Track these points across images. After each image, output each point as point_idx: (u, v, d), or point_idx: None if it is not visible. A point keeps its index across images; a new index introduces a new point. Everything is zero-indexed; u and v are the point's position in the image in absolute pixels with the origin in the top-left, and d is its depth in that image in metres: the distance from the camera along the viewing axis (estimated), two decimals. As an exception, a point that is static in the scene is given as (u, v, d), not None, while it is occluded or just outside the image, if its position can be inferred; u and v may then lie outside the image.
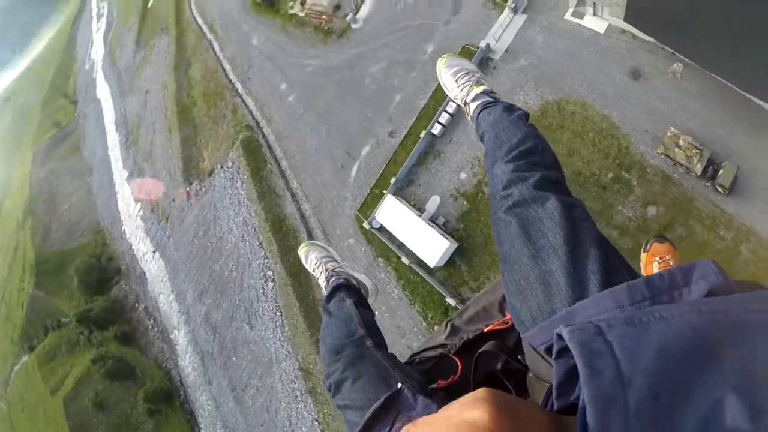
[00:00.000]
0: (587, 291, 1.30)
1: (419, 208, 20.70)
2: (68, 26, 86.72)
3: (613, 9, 17.05)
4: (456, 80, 2.62)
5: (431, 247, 19.31)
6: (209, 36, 39.69)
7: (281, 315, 26.29)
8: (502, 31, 21.48)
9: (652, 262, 5.09)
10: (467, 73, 2.62)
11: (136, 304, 42.46)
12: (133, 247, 43.50)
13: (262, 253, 27.81)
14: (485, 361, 1.65)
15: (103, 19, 72.37)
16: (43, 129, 69.68)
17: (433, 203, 20.58)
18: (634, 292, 0.82)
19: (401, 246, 20.90)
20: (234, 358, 29.91)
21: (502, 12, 21.76)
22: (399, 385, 1.42)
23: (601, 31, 18.44)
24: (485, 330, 1.90)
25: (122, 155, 48.38)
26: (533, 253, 1.45)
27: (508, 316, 1.99)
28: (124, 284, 44.48)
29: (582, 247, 1.40)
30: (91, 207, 51.73)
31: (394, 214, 20.72)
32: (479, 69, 2.85)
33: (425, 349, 2.18)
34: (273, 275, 27.19)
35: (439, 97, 21.05)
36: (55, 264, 51.23)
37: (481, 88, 2.53)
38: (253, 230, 28.59)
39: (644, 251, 5.41)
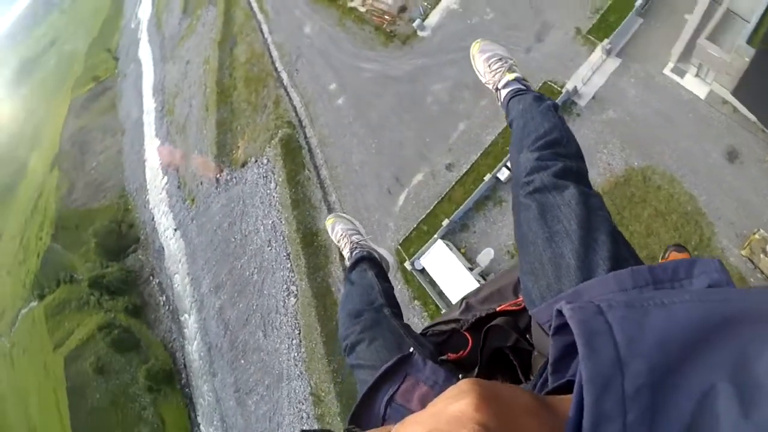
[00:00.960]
0: (595, 275, 1.32)
1: (469, 259, 17.79)
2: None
3: (721, 78, 14.87)
4: (489, 65, 2.52)
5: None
6: (259, 16, 36.40)
7: (299, 334, 23.57)
8: (592, 73, 18.51)
9: None
10: (500, 59, 2.51)
11: (151, 278, 40.02)
12: (155, 219, 40.93)
13: (288, 265, 24.99)
14: (495, 336, 1.55)
15: (154, -23, 69.27)
16: (83, 81, 66.94)
17: (485, 256, 17.65)
18: (637, 276, 0.80)
19: (442, 294, 18.05)
20: (242, 361, 27.46)
21: (593, 51, 18.65)
22: (411, 349, 1.34)
23: (702, 97, 16.06)
24: (498, 309, 1.80)
25: (156, 123, 45.57)
26: (548, 236, 1.45)
27: (521, 298, 1.90)
28: (141, 255, 42.03)
29: (594, 234, 1.40)
30: (118, 168, 49.17)
31: (441, 261, 17.86)
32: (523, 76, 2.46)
33: (439, 323, 2.08)
34: (297, 291, 24.42)
35: (509, 135, 17.87)
36: (76, 221, 48.89)
37: (513, 75, 2.41)
38: (281, 238, 25.74)
39: (662, 259, 4.99)
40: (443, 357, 1.74)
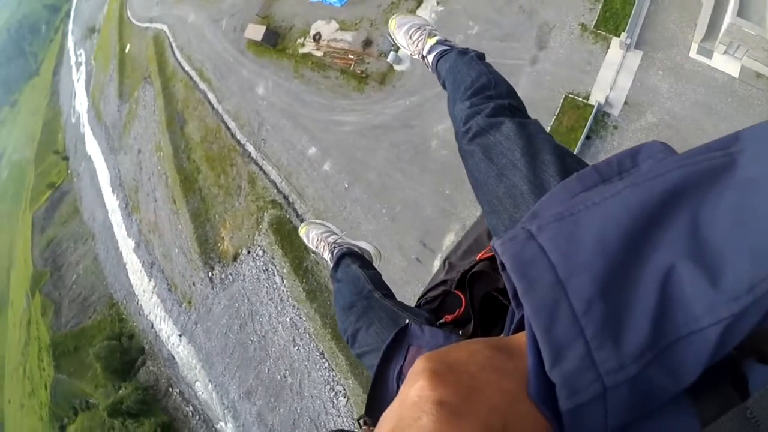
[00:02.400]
0: None
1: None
2: (49, 77, 77.49)
3: (756, 53, 13.24)
4: (410, 36, 2.34)
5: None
6: (201, 85, 31.21)
7: (362, 436, 18.88)
8: (615, 74, 14.43)
9: None
10: (419, 28, 2.33)
11: (170, 389, 34.77)
12: (155, 326, 35.63)
13: (326, 364, 20.20)
14: (480, 284, 1.36)
15: (82, 68, 63.39)
16: (39, 191, 61.06)
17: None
18: (585, 179, 0.68)
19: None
20: (302, 466, 22.75)
21: (608, 47, 14.69)
22: (406, 321, 1.23)
23: (736, 75, 13.77)
24: (478, 258, 1.49)
25: (125, 223, 40.12)
26: (497, 172, 1.41)
27: None
28: (152, 366, 36.73)
29: (539, 156, 1.36)
30: (100, 277, 43.61)
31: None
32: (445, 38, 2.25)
33: (428, 290, 1.91)
34: (344, 390, 19.71)
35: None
36: (72, 345, 43.44)
37: (434, 39, 2.23)
38: (306, 336, 20.87)
39: None
40: (441, 321, 1.61)
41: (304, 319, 20.81)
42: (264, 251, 22.81)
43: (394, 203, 17.59)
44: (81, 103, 59.33)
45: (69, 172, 57.00)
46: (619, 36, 14.83)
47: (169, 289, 32.45)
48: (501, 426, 0.48)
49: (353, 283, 2.28)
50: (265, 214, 22.71)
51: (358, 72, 19.65)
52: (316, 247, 3.13)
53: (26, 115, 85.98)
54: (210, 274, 26.77)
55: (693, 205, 0.53)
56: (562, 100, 15.02)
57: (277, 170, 22.47)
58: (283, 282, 22.02)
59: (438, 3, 18.36)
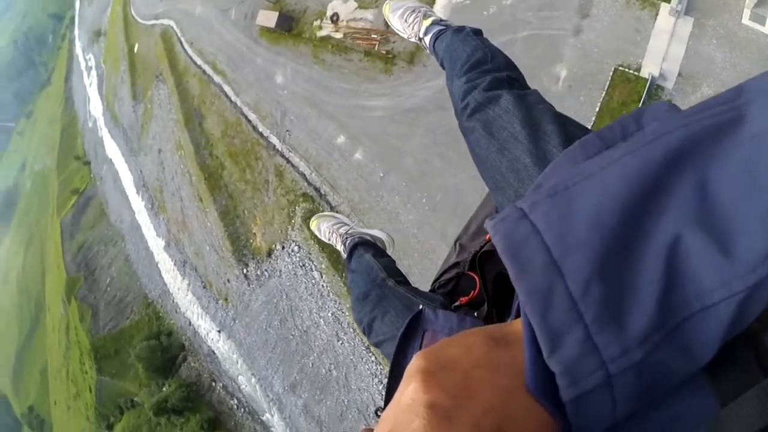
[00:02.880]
0: None
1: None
2: (61, 85, 76.90)
3: None
4: (405, 20, 2.25)
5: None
6: (216, 78, 30.05)
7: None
8: (667, 43, 13.02)
9: None
10: (414, 10, 2.25)
11: (213, 383, 34.60)
12: (193, 323, 35.31)
13: (372, 357, 19.43)
14: (490, 264, 1.31)
15: (93, 72, 62.49)
16: (64, 198, 60.89)
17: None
18: (588, 146, 0.62)
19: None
20: (351, 455, 22.30)
21: (655, 12, 13.43)
22: (420, 307, 1.19)
23: None
24: (487, 237, 1.49)
25: (152, 223, 39.62)
26: (498, 147, 1.37)
27: None
28: (193, 362, 36.57)
29: (540, 127, 1.31)
30: (133, 278, 43.41)
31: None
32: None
33: (442, 273, 1.84)
34: (394, 384, 19.01)
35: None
36: (113, 347, 43.50)
37: (429, 20, 2.15)
38: (351, 330, 20.07)
39: None
40: (456, 303, 1.55)
41: (346, 313, 19.99)
42: (299, 247, 21.93)
43: (434, 191, 16.47)
44: (95, 107, 58.67)
45: (92, 176, 56.62)
46: (669, 2, 13.43)
47: (204, 287, 31.95)
48: (495, 427, 0.45)
49: (367, 273, 2.22)
50: (296, 208, 21.77)
51: (384, 52, 18.35)
52: (329, 240, 3.06)
53: (43, 124, 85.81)
54: (245, 271, 26.06)
55: (698, 166, 0.47)
56: (611, 73, 13.68)
57: (306, 162, 21.42)
58: (322, 277, 21.18)
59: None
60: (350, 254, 2.52)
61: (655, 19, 13.66)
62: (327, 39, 20.96)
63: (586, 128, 1.32)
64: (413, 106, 17.10)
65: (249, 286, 26.01)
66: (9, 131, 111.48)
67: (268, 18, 23.96)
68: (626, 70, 13.52)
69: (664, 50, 13.46)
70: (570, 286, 0.44)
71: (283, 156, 22.73)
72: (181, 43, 36.53)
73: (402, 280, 2.11)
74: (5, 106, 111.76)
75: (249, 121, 25.59)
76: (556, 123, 1.29)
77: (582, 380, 0.42)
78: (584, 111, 13.85)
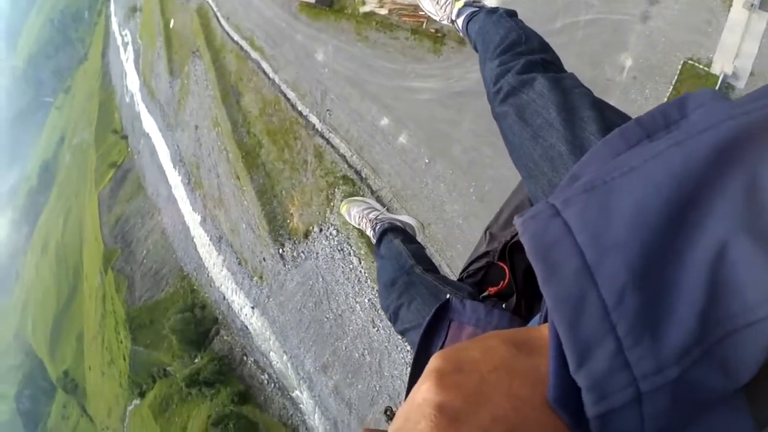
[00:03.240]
0: None
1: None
2: (98, 61, 77.36)
3: None
4: (437, 2, 2.19)
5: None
6: (254, 55, 29.41)
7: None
8: (740, 39, 11.86)
9: None
10: None
11: (244, 357, 34.85)
12: (227, 298, 35.44)
13: (408, 347, 19.05)
14: (520, 255, 1.29)
15: (129, 48, 62.51)
16: (102, 171, 61.64)
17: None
18: (628, 135, 0.57)
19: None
20: (380, 440, 21.97)
21: (729, 4, 12.20)
22: (447, 296, 1.20)
23: None
24: None
25: (189, 197, 39.70)
26: (532, 134, 1.30)
27: None
28: (226, 335, 36.87)
29: (577, 112, 1.24)
30: (169, 251, 43.82)
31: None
32: None
33: (471, 263, 1.82)
34: (430, 372, 18.53)
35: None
36: (148, 318, 44.17)
37: (461, 2, 2.09)
38: (387, 318, 19.68)
39: None
40: (484, 294, 1.54)
41: (384, 299, 19.51)
42: (338, 231, 21.41)
43: (483, 181, 15.62)
44: (132, 82, 58.83)
45: (129, 150, 57.08)
46: (744, -8, 12.18)
47: (239, 263, 31.90)
48: None
49: (395, 259, 2.16)
50: (336, 190, 21.19)
51: (432, 31, 17.38)
52: (359, 224, 3.01)
53: (81, 99, 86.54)
54: (281, 250, 25.76)
55: (748, 164, 0.42)
56: (680, 67, 12.52)
57: (347, 143, 20.72)
58: (360, 263, 20.66)
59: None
60: (379, 240, 2.46)
61: (729, 11, 12.40)
62: (371, 15, 20.04)
63: (626, 115, 1.24)
64: (463, 89, 16.14)
65: (285, 266, 25.73)
66: (48, 106, 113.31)
67: (309, -8, 23.16)
68: (696, 64, 12.35)
69: (737, 46, 12.21)
70: (603, 294, 0.41)
71: (322, 136, 22.09)
72: (217, 18, 35.90)
73: (430, 267, 2.04)
74: (44, 83, 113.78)
75: (288, 100, 24.95)
76: (595, 109, 1.22)
77: (610, 396, 0.39)
78: (649, 105, 12.79)
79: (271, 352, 30.42)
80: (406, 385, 0.84)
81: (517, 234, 1.12)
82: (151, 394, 45.37)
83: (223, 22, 34.85)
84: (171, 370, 42.71)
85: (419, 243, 2.42)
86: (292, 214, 24.74)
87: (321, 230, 22.59)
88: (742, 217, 0.40)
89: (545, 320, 0.51)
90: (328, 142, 21.66)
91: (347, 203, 3.16)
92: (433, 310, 1.05)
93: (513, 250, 1.26)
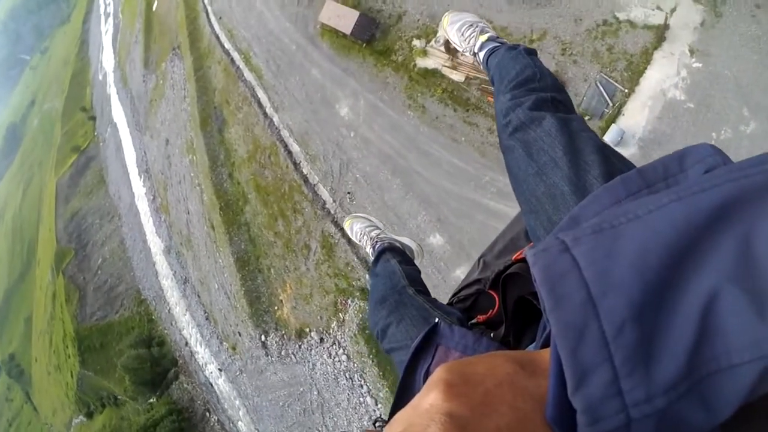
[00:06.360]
0: None
1: None
2: (79, 25, 66.61)
3: None
4: (462, 34, 2.05)
5: None
6: (248, 75, 21.16)
7: None
8: None
9: None
10: (471, 25, 2.05)
11: (207, 414, 27.39)
12: (190, 345, 27.82)
13: None
14: (514, 286, 1.23)
15: (110, 20, 52.93)
16: (64, 152, 51.78)
17: None
18: (629, 183, 0.58)
19: None
20: None
21: None
22: (436, 320, 1.09)
23: None
24: (514, 258, 1.42)
25: (153, 217, 31.35)
26: (537, 170, 1.25)
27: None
28: (186, 383, 29.22)
29: (582, 155, 1.19)
30: (127, 266, 35.42)
31: None
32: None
33: (462, 288, 1.75)
34: None
35: None
36: (98, 341, 36.08)
37: (485, 36, 1.96)
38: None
39: None
40: (473, 321, 1.47)
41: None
42: (348, 357, 14.31)
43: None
44: (108, 59, 49.45)
45: (95, 135, 47.82)
46: None
47: (207, 319, 24.29)
48: None
49: (389, 278, 2.02)
50: (350, 302, 14.05)
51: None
52: (359, 241, 2.74)
53: (57, 63, 75.11)
54: (263, 338, 18.35)
55: (744, 224, 0.43)
56: None
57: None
58: (377, 405, 13.75)
59: (692, 54, 8.86)
60: (377, 258, 2.28)
61: None
62: (434, 74, 12.52)
63: (629, 162, 1.20)
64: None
65: (267, 356, 18.39)
66: (23, 64, 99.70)
67: (340, 15, 14.93)
68: None
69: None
70: (604, 325, 0.42)
71: (336, 224, 14.73)
72: (207, 13, 27.20)
73: (422, 289, 1.90)
74: (22, 38, 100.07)
75: (289, 154, 17.22)
76: (599, 153, 1.16)
77: (602, 420, 0.40)
78: None
79: (240, 422, 23.25)
80: (393, 403, 0.80)
81: (512, 265, 1.16)
82: (99, 419, 37.88)
83: (213, 20, 26.23)
84: (122, 399, 35.05)
85: (415, 265, 2.24)
86: (281, 301, 17.35)
87: (322, 340, 15.38)
88: (733, 270, 0.41)
89: (542, 348, 0.52)
90: (343, 235, 14.33)
91: (351, 219, 2.82)
92: (423, 333, 0.98)
93: (506, 281, 1.19)
